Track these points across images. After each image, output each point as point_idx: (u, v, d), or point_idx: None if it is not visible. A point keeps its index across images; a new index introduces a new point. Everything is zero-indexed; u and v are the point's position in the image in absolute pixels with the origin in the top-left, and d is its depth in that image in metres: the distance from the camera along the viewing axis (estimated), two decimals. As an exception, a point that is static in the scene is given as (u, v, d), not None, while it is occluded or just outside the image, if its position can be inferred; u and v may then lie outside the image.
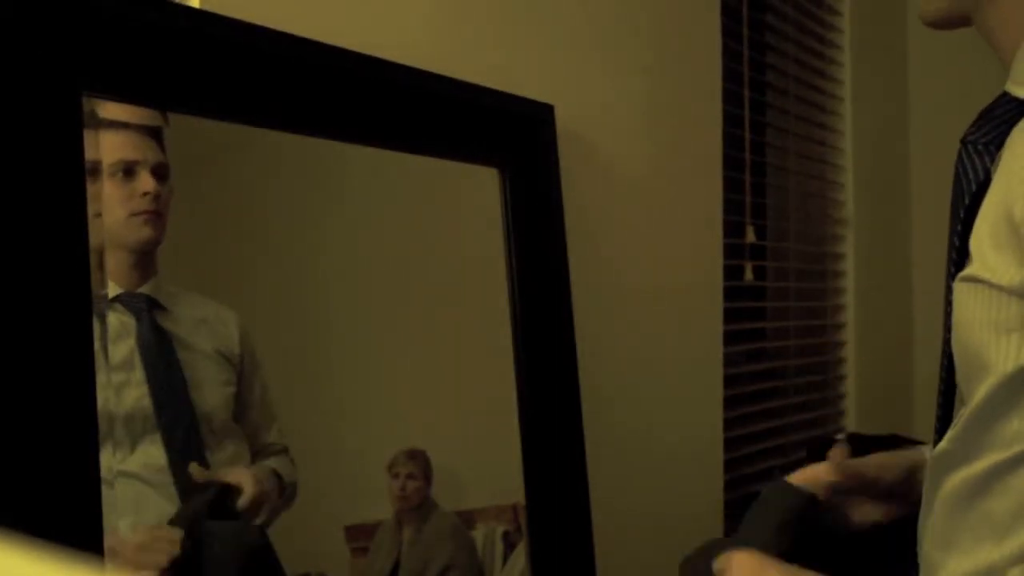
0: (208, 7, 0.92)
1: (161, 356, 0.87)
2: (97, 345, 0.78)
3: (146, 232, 0.87)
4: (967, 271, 0.81)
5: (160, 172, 0.88)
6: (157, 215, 0.87)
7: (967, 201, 0.83)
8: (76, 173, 0.79)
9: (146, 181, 0.86)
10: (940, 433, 0.87)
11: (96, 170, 0.82)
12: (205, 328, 0.91)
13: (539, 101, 1.29)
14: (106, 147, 0.83)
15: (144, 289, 0.87)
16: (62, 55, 0.78)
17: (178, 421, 0.86)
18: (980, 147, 0.84)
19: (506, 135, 1.23)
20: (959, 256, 0.83)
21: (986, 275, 0.78)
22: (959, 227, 0.84)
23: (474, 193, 1.22)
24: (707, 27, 1.78)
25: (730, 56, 1.93)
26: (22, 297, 0.74)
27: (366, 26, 1.10)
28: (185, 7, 0.90)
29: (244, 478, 0.91)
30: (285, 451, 0.96)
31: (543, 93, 1.30)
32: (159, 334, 0.87)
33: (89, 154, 0.80)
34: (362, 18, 1.10)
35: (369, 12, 1.11)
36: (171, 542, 0.84)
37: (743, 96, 1.99)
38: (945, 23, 0.91)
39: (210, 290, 0.93)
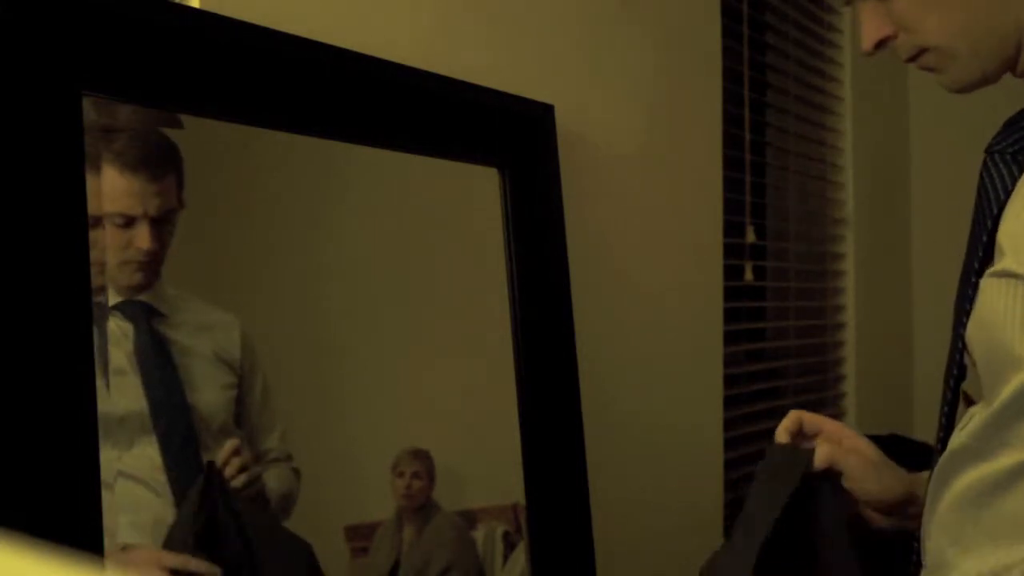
0: (208, 7, 0.92)
1: (158, 361, 0.86)
2: (96, 351, 0.78)
3: (136, 278, 0.86)
4: (998, 266, 0.80)
5: (163, 219, 0.87)
6: (150, 263, 0.87)
7: (995, 211, 0.82)
8: (76, 174, 0.79)
9: (143, 236, 0.85)
10: (947, 430, 0.86)
11: (98, 223, 0.81)
12: (206, 333, 0.91)
13: (539, 101, 1.28)
14: (108, 195, 0.82)
15: (143, 297, 0.87)
16: (62, 55, 0.78)
17: (175, 424, 0.86)
18: (1007, 156, 0.83)
19: (506, 135, 1.23)
20: (983, 262, 0.83)
21: (1021, 270, 0.77)
22: (984, 236, 0.83)
23: (474, 193, 1.21)
24: (707, 27, 1.78)
25: (730, 56, 1.93)
26: (21, 300, 0.74)
27: (366, 26, 1.09)
28: (185, 7, 0.90)
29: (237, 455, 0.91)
30: (286, 459, 0.96)
31: (543, 93, 1.30)
32: (156, 340, 0.87)
33: (92, 205, 0.79)
34: (362, 18, 1.10)
35: (369, 12, 1.11)
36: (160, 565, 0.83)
37: (743, 96, 1.99)
38: (978, 86, 0.89)
39: (212, 291, 0.93)
